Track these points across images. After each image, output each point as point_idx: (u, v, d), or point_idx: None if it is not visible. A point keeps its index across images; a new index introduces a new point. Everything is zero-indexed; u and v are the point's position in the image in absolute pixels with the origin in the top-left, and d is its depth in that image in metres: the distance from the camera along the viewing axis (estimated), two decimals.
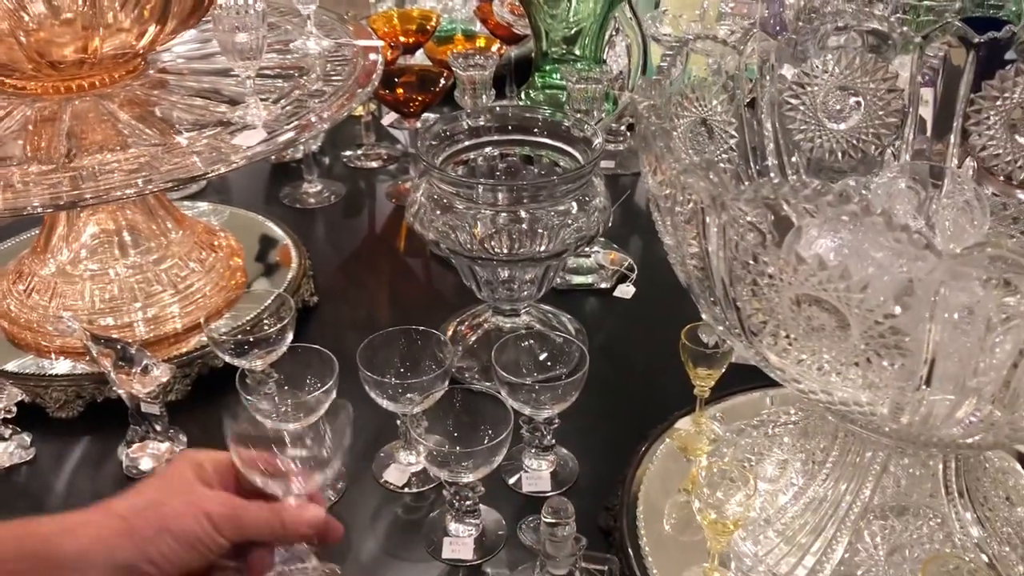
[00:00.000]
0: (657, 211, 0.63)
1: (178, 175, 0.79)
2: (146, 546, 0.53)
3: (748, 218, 0.52)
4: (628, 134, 1.45)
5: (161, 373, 0.83)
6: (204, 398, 0.97)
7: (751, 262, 0.53)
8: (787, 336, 0.55)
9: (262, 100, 0.92)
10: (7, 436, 0.90)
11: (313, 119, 0.89)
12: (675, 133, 0.73)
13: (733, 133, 0.78)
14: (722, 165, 0.78)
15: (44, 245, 1.03)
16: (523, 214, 0.89)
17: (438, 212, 0.91)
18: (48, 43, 0.86)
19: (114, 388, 0.84)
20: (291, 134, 0.86)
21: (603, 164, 1.19)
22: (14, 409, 0.88)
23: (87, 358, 0.86)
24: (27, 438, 0.91)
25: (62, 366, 0.96)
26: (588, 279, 1.16)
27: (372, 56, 1.04)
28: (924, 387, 0.52)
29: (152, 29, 0.89)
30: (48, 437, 0.92)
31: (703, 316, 0.69)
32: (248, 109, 0.88)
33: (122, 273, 1.01)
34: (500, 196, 0.88)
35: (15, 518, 0.55)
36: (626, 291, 1.15)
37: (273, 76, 1.00)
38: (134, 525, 0.54)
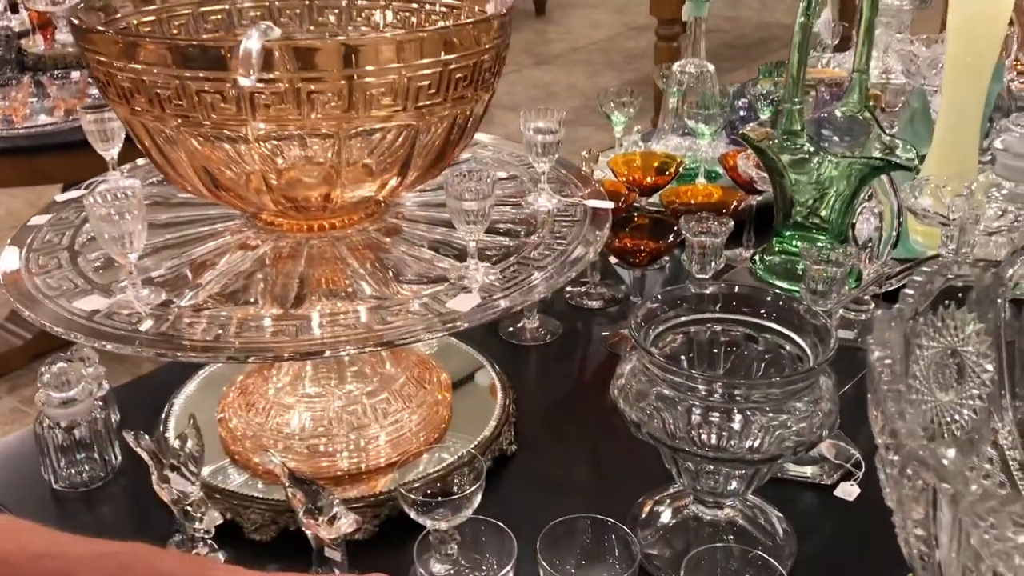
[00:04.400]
0: (882, 471, 0.56)
1: (394, 338, 0.81)
2: None
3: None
4: (873, 304, 1.34)
5: (347, 525, 0.83)
6: (390, 540, 0.96)
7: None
8: None
9: (486, 258, 0.92)
10: (203, 554, 0.93)
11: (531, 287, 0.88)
12: (918, 367, 0.64)
13: (988, 368, 0.69)
14: (972, 403, 0.68)
15: (268, 366, 1.09)
16: (736, 413, 0.82)
17: (643, 393, 0.86)
18: (296, 186, 0.91)
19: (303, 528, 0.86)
20: (505, 303, 0.85)
21: (840, 334, 1.08)
22: (212, 530, 0.91)
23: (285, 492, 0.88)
24: (220, 556, 0.94)
25: (265, 489, 0.99)
26: (806, 471, 1.05)
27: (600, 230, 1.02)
28: None
29: (393, 181, 0.92)
30: (242, 558, 0.94)
31: None
32: (468, 271, 0.88)
33: (334, 403, 1.04)
34: (715, 390, 0.83)
35: None
36: (849, 491, 1.03)
37: (503, 233, 1.00)
38: None
